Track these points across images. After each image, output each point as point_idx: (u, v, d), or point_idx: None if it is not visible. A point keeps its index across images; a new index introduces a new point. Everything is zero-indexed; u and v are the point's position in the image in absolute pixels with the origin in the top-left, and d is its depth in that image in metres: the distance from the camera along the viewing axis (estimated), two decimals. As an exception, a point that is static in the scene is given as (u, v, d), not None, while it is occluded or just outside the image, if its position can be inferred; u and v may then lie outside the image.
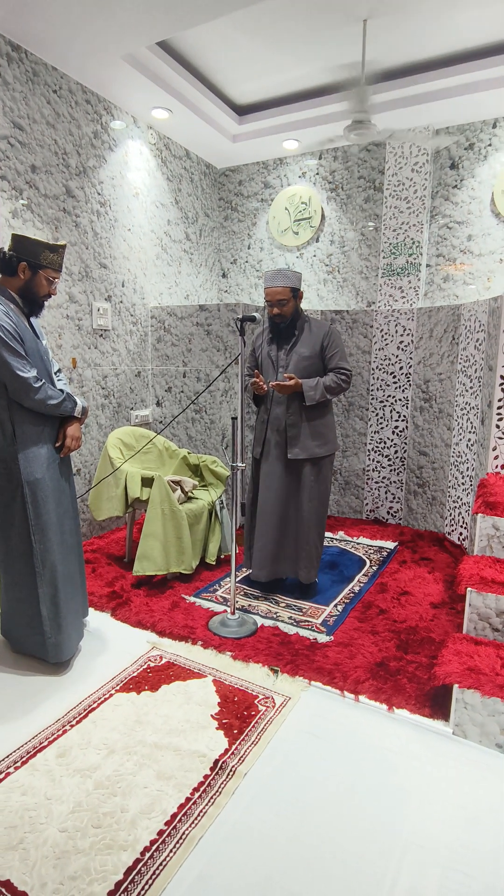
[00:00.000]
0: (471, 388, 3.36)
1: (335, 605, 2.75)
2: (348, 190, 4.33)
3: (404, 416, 3.93)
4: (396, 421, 3.96)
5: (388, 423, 3.99)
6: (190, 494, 3.19)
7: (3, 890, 1.31)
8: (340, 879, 1.36)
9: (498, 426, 2.86)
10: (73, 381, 3.47)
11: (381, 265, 4.19)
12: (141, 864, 1.37)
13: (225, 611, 2.63)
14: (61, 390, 2.14)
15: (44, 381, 2.05)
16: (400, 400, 3.93)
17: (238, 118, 4.03)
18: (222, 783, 1.64)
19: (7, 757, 1.74)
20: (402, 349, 3.88)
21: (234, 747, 1.77)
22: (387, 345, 3.93)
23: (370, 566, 3.27)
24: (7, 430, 2.04)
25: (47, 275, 2.08)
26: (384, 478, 4.06)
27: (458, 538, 3.55)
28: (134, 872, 1.35)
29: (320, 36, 3.10)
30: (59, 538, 2.16)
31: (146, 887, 1.32)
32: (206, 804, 1.56)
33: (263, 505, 2.75)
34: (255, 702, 2.00)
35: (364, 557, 3.40)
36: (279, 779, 1.67)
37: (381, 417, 4.01)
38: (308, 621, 2.58)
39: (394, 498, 4.05)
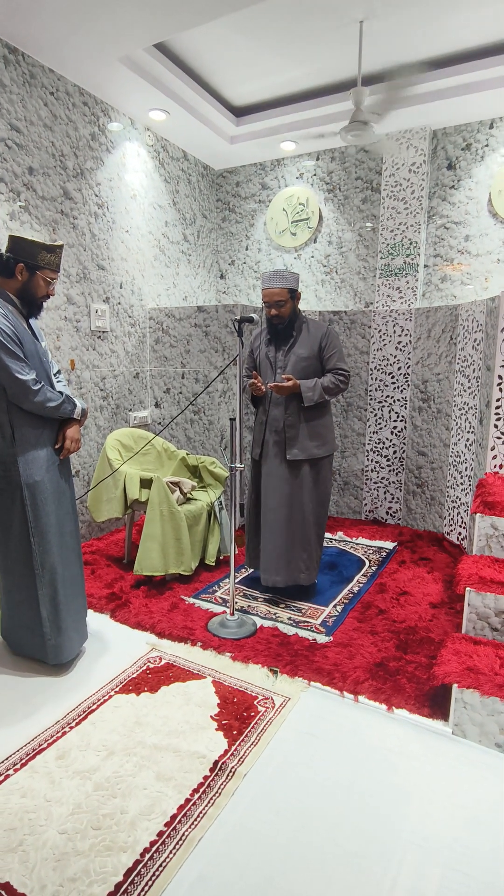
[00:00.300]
0: (469, 388, 3.37)
1: (334, 606, 2.75)
2: (346, 191, 4.34)
3: (403, 416, 3.93)
4: (395, 421, 3.96)
5: (387, 424, 4.00)
6: (189, 495, 3.19)
7: (3, 892, 1.31)
8: (340, 880, 1.36)
9: (496, 426, 2.86)
10: (72, 383, 3.47)
11: (378, 266, 4.20)
12: (141, 866, 1.37)
13: (224, 612, 2.63)
14: (60, 392, 2.14)
15: (42, 383, 2.05)
16: (398, 400, 3.93)
17: (235, 120, 4.04)
18: (222, 784, 1.64)
19: (7, 759, 1.74)
20: (401, 349, 3.88)
21: (233, 748, 1.77)
22: (385, 345, 3.94)
23: (369, 566, 3.27)
24: (6, 433, 2.04)
25: (45, 275, 2.08)
26: (383, 478, 4.06)
27: (457, 538, 3.55)
28: (134, 874, 1.35)
29: (317, 37, 3.10)
30: (58, 540, 2.16)
31: (146, 888, 1.32)
32: (206, 805, 1.56)
33: (269, 507, 2.74)
34: (255, 702, 2.00)
35: (363, 558, 3.40)
36: (279, 779, 1.67)
37: (380, 418, 4.02)
38: (307, 622, 2.58)
39: (393, 498, 4.05)
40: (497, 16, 2.93)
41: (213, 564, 3.19)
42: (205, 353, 3.86)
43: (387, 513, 4.09)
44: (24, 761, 1.72)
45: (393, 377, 3.93)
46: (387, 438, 4.01)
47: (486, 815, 1.55)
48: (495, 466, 2.90)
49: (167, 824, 1.49)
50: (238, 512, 2.48)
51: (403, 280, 4.11)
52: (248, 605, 2.75)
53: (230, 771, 1.68)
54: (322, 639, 2.41)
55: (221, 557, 3.27)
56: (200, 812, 1.53)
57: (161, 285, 4.26)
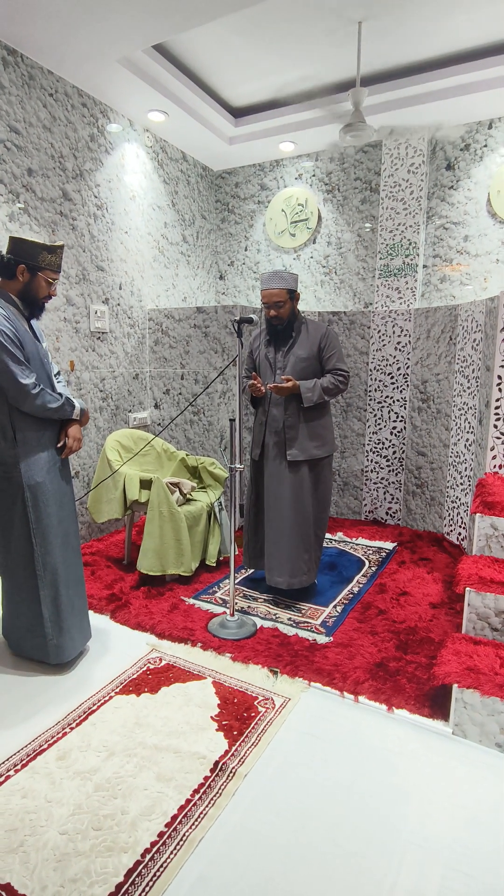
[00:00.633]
0: (468, 388, 3.37)
1: (334, 606, 2.75)
2: (345, 191, 4.34)
3: (402, 416, 3.93)
4: (394, 421, 3.97)
5: (387, 424, 4.00)
6: (189, 496, 3.20)
7: (4, 893, 1.31)
8: (341, 880, 1.36)
9: (496, 426, 2.87)
10: (72, 384, 3.47)
11: (377, 266, 4.20)
12: (141, 866, 1.37)
13: (224, 612, 2.63)
14: (60, 394, 2.14)
15: (42, 386, 2.06)
16: (398, 401, 3.94)
17: (234, 120, 4.04)
18: (222, 784, 1.64)
19: (7, 760, 1.74)
20: (400, 350, 3.89)
21: (234, 749, 1.77)
22: (384, 346, 3.94)
23: (369, 567, 3.27)
24: (8, 435, 2.05)
25: (46, 276, 2.09)
26: (383, 478, 4.06)
27: (457, 538, 3.55)
28: (134, 874, 1.35)
29: (316, 38, 3.11)
30: (60, 541, 2.17)
31: (147, 889, 1.32)
32: (207, 806, 1.56)
33: (272, 509, 2.74)
34: (255, 703, 2.00)
35: (363, 558, 3.41)
36: (279, 780, 1.67)
37: (380, 418, 4.02)
38: (307, 622, 2.58)
39: (392, 498, 4.05)
40: (496, 16, 2.93)
41: (214, 565, 3.20)
42: (204, 353, 3.86)
43: (386, 513, 4.09)
44: (24, 762, 1.72)
45: (392, 377, 3.94)
46: (386, 439, 4.01)
47: (486, 815, 1.55)
48: (495, 466, 2.90)
49: (168, 825, 1.49)
50: (238, 512, 2.48)
51: (403, 280, 4.12)
52: (249, 606, 2.75)
53: (231, 771, 1.68)
54: (322, 639, 2.42)
55: (221, 558, 3.27)
56: (201, 812, 1.54)
57: (160, 286, 4.26)
